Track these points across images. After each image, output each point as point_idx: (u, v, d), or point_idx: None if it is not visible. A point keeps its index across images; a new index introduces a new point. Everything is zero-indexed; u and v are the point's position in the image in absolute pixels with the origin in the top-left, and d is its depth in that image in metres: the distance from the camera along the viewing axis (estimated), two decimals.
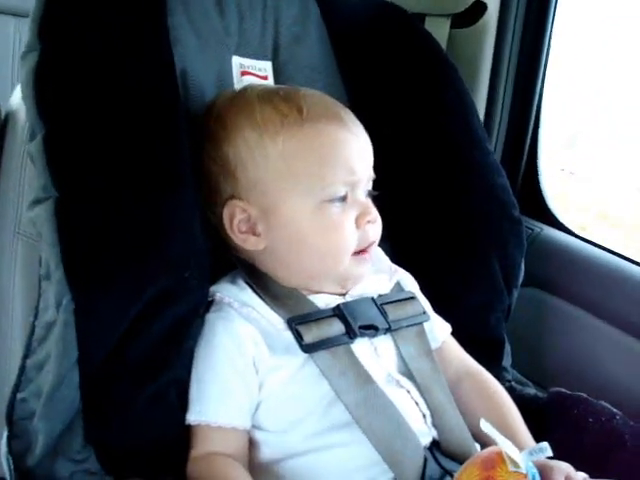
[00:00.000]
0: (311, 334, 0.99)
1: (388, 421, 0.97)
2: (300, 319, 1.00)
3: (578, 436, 1.16)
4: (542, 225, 1.61)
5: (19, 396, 0.95)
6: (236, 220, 1.03)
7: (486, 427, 0.85)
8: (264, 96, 1.05)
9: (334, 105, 1.07)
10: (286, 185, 1.00)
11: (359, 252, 1.04)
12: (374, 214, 1.05)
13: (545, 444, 0.84)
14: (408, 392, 1.03)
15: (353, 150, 1.03)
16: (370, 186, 1.08)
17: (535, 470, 0.85)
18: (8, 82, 1.16)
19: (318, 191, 1.00)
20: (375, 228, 1.06)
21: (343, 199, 1.02)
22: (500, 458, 0.84)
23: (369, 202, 1.06)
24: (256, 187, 1.01)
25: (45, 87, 0.94)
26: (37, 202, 0.93)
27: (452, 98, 1.37)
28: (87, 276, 0.90)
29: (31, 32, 0.97)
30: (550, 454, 0.84)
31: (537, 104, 1.61)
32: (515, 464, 0.82)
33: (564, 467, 0.93)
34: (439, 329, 1.18)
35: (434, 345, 1.14)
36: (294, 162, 1.00)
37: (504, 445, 0.83)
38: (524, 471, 0.83)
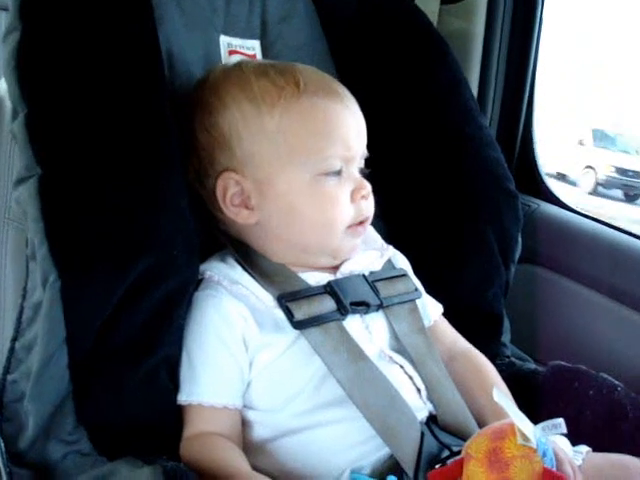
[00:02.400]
0: (302, 311, 0.98)
1: (382, 396, 0.96)
2: (290, 296, 0.99)
3: (579, 409, 1.15)
4: (538, 201, 1.61)
5: (9, 378, 0.94)
6: (229, 193, 1.02)
7: (499, 398, 0.84)
8: (260, 69, 1.04)
9: (330, 80, 1.07)
10: (282, 158, 1.00)
11: (355, 225, 1.04)
12: (368, 189, 1.05)
13: (560, 420, 0.82)
14: (401, 367, 1.03)
15: (350, 126, 1.03)
16: (362, 164, 1.07)
17: (548, 447, 0.84)
18: None
19: (314, 164, 1.00)
20: (369, 204, 1.06)
21: (338, 173, 1.01)
22: (511, 430, 0.83)
23: (362, 178, 1.05)
24: (252, 160, 1.01)
25: (26, 66, 0.94)
26: (21, 181, 0.92)
27: (443, 73, 1.37)
28: (72, 253, 0.89)
29: (12, 12, 0.96)
30: (564, 431, 0.82)
31: (531, 79, 1.61)
32: (525, 438, 0.81)
33: (572, 463, 0.91)
34: (431, 308, 1.17)
35: (426, 324, 1.13)
36: (291, 135, 1.00)
37: (515, 417, 0.82)
38: (534, 445, 0.81)
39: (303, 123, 1.00)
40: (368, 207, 1.06)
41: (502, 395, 0.84)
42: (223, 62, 1.18)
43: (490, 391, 0.97)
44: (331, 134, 1.01)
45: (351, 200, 1.03)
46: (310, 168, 1.00)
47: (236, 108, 1.01)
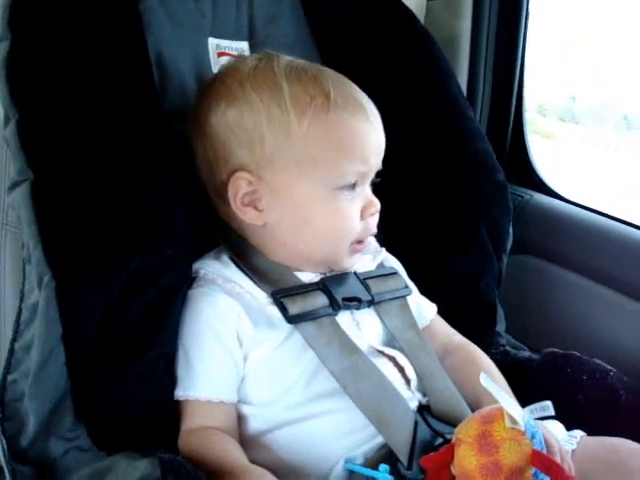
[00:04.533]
0: (295, 306, 1.00)
1: (375, 386, 0.98)
2: (284, 292, 1.01)
3: (573, 394, 1.17)
4: (531, 192, 1.62)
5: (10, 378, 0.96)
6: (241, 192, 1.02)
7: (485, 381, 0.85)
8: (292, 73, 1.02)
9: (358, 93, 1.06)
10: (302, 168, 1.00)
11: (355, 243, 1.05)
12: (378, 206, 1.06)
13: (547, 403, 0.84)
14: (392, 359, 1.04)
15: (371, 142, 1.04)
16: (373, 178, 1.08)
17: (537, 429, 0.85)
18: None
19: (332, 179, 1.01)
20: (375, 221, 1.07)
21: (353, 188, 1.02)
22: (500, 414, 0.85)
23: (372, 195, 1.07)
24: (271, 164, 1.00)
25: (17, 74, 0.96)
26: (14, 185, 0.94)
27: (430, 68, 1.38)
28: (65, 253, 0.91)
29: (1, 22, 0.98)
30: (552, 413, 0.84)
31: (520, 71, 1.62)
32: (513, 420, 0.83)
33: (561, 447, 0.92)
34: (426, 308, 1.19)
35: (422, 323, 1.15)
36: (315, 147, 1.00)
37: (503, 401, 0.84)
38: (522, 428, 0.83)
39: (328, 137, 1.00)
40: (374, 224, 1.07)
41: (489, 379, 0.86)
42: (212, 64, 1.21)
43: (478, 382, 0.99)
44: (353, 151, 1.01)
45: (361, 217, 1.04)
46: (328, 182, 1.01)
47: (264, 110, 1.00)
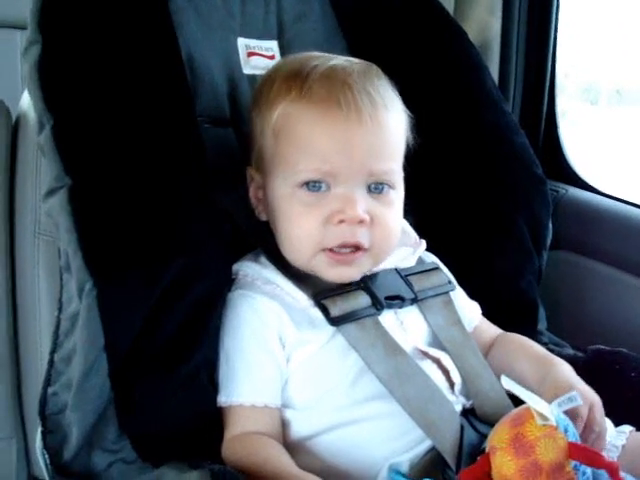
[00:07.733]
0: (337, 307, 0.97)
1: (421, 389, 0.95)
2: (325, 293, 0.98)
3: (622, 390, 1.13)
4: (567, 186, 1.59)
5: (50, 390, 0.95)
6: (252, 186, 1.04)
7: (507, 383, 0.84)
8: (298, 68, 0.98)
9: (348, 87, 0.95)
10: (272, 162, 0.99)
11: (331, 251, 0.97)
12: (350, 214, 0.94)
13: (574, 393, 0.83)
14: (437, 361, 1.01)
15: (339, 139, 0.94)
16: (378, 180, 0.97)
17: (568, 422, 0.84)
18: (18, 93, 1.18)
19: (290, 175, 0.96)
20: (351, 229, 0.95)
21: (317, 189, 0.95)
22: (529, 414, 0.83)
23: (358, 199, 0.95)
24: (258, 158, 1.02)
25: (49, 78, 0.95)
26: (51, 193, 0.93)
27: (463, 61, 1.36)
28: (106, 260, 0.90)
29: (31, 26, 0.98)
30: (580, 403, 0.83)
31: (551, 63, 1.59)
32: (544, 417, 0.81)
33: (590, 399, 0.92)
34: (471, 311, 1.15)
35: (469, 327, 1.12)
36: (280, 140, 0.97)
37: (529, 399, 0.82)
38: (554, 423, 0.81)
39: (291, 130, 0.96)
40: (351, 234, 0.95)
41: (510, 381, 0.84)
42: (242, 64, 1.19)
43: (533, 357, 1.01)
44: (309, 146, 0.95)
45: (326, 221, 0.95)
46: (289, 178, 0.96)
47: (256, 106, 1.02)
